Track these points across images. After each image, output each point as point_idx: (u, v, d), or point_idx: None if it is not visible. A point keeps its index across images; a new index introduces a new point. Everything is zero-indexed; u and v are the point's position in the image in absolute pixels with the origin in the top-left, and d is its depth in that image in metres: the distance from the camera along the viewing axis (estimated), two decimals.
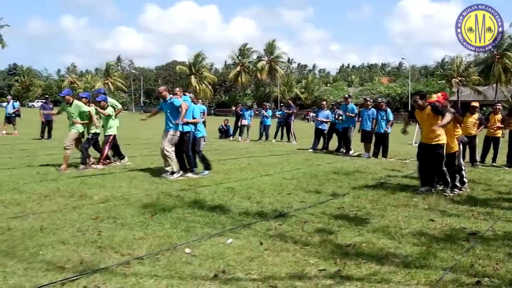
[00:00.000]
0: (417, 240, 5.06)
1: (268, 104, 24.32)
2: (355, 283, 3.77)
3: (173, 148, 9.08)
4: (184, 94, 9.80)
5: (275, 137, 21.12)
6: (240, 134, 20.96)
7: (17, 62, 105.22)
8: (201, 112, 17.00)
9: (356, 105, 18.89)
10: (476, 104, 12.44)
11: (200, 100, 18.70)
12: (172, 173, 8.94)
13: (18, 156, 11.93)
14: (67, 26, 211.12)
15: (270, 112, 21.58)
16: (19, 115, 20.84)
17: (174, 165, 9.03)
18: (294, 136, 20.49)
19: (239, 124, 21.09)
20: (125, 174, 9.25)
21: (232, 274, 3.91)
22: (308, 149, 16.14)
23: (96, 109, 10.10)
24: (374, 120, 14.22)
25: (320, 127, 16.50)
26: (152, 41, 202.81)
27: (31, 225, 5.17)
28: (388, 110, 14.26)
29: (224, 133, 22.34)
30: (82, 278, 3.68)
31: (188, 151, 9.30)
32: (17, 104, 21.92)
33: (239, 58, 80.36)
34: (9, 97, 21.89)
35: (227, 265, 4.10)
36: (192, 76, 78.05)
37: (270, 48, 77.77)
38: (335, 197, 7.46)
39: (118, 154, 10.97)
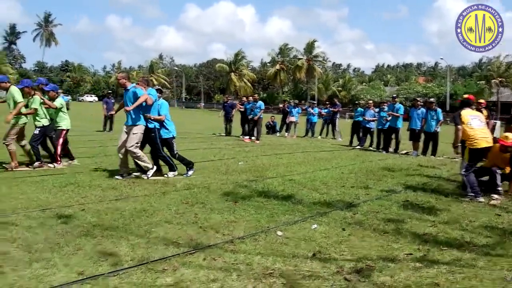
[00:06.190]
0: (489, 232, 5.34)
1: (314, 102, 24.67)
2: (443, 266, 4.10)
3: (139, 147, 7.95)
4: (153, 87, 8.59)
5: (320, 134, 21.50)
6: (286, 130, 21.35)
7: (68, 59, 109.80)
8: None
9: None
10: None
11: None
12: (146, 171, 7.96)
13: (91, 147, 12.71)
14: (112, 25, 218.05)
15: (316, 110, 22.00)
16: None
17: (146, 162, 7.96)
18: (340, 134, 20.78)
19: (286, 120, 21.51)
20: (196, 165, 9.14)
21: (328, 254, 4.32)
22: (356, 146, 16.48)
23: (42, 99, 8.87)
24: (423, 119, 14.45)
25: (367, 125, 16.85)
26: (191, 39, 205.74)
27: (133, 207, 5.75)
28: (438, 110, 14.43)
29: (271, 129, 22.78)
30: (198, 252, 4.17)
31: (159, 152, 8.28)
32: (66, 98, 22.95)
33: (279, 56, 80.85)
34: (59, 91, 23.07)
35: (320, 247, 4.52)
36: (232, 74, 79.44)
37: (309, 48, 77.92)
38: (397, 191, 7.76)
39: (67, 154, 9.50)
